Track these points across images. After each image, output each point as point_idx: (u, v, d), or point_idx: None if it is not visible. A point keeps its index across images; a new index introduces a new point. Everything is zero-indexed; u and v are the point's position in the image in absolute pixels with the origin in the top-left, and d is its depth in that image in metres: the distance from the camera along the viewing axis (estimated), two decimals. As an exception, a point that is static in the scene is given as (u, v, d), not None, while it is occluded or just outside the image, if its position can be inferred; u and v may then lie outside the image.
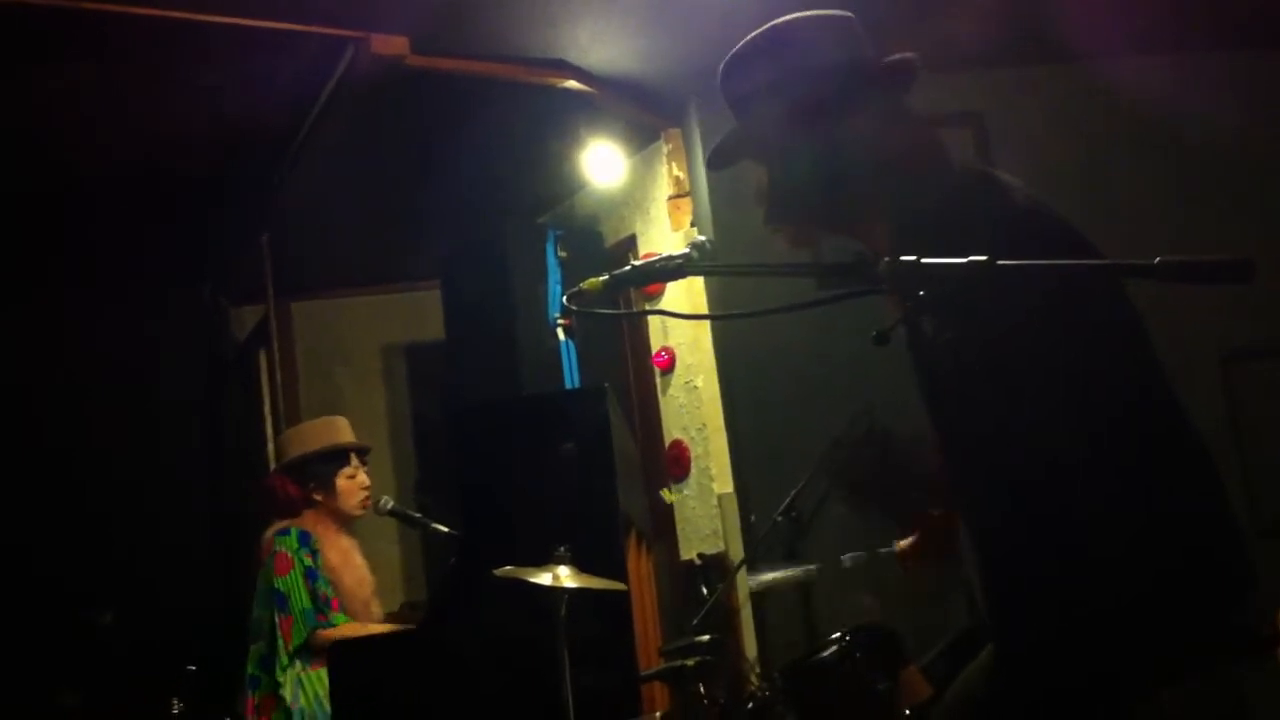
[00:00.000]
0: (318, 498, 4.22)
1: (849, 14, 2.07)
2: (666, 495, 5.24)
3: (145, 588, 5.52)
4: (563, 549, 3.26)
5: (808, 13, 2.06)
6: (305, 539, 4.09)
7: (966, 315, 1.74)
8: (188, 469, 6.05)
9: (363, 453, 4.40)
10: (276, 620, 3.99)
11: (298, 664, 3.97)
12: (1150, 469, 1.77)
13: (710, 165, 2.13)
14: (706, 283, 4.90)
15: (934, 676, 3.25)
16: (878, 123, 1.97)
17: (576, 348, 5.12)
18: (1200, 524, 1.79)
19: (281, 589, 4.00)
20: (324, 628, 3.96)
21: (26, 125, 4.53)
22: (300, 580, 4.01)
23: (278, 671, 3.98)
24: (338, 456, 4.29)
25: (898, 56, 2.02)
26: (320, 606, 4.00)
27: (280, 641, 3.97)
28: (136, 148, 4.86)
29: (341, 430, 4.40)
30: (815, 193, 2.00)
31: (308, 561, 4.05)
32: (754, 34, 2.06)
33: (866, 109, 1.97)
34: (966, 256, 1.52)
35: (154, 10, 3.79)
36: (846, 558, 2.66)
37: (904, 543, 2.26)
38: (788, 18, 2.05)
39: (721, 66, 2.09)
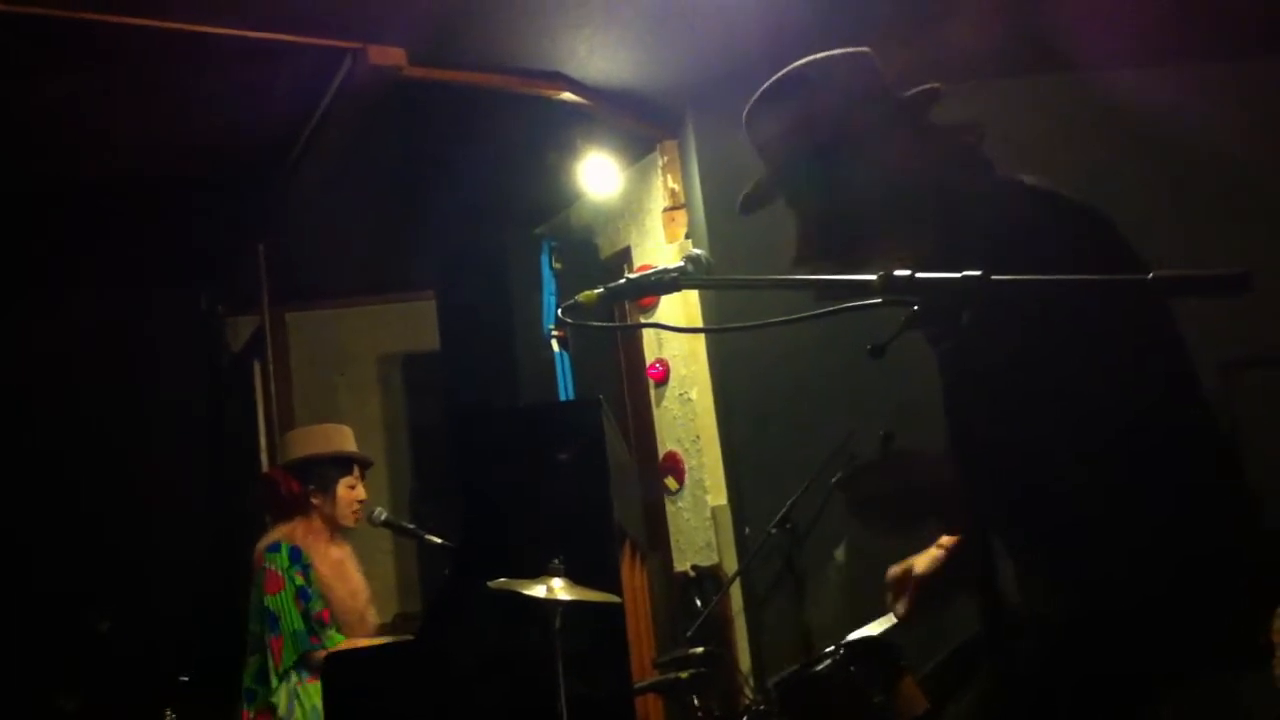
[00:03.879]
0: (315, 501, 4.21)
1: (865, 49, 2.08)
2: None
3: (141, 596, 5.52)
4: (557, 561, 3.25)
5: (824, 54, 2.08)
6: (296, 555, 4.06)
7: (964, 326, 1.75)
8: (185, 476, 6.04)
9: (365, 466, 4.40)
10: (267, 639, 3.98)
11: (293, 676, 3.96)
12: (1156, 481, 1.78)
13: (742, 210, 2.14)
14: (701, 295, 4.90)
15: (931, 689, 3.24)
16: (903, 151, 1.99)
17: (571, 359, 5.12)
18: (1213, 537, 1.79)
19: (272, 608, 3.98)
20: (317, 649, 3.94)
21: (27, 131, 4.54)
22: (291, 601, 3.99)
23: (273, 684, 3.96)
24: (343, 464, 4.29)
25: (922, 89, 2.04)
26: (313, 627, 3.98)
27: (270, 661, 3.96)
28: (135, 155, 4.87)
29: (348, 439, 4.41)
30: (848, 227, 2.01)
31: (299, 580, 4.02)
32: (773, 79, 2.08)
33: (889, 141, 1.98)
34: (1021, 268, 1.52)
35: (155, 21, 3.80)
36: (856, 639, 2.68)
37: (900, 608, 2.27)
38: (805, 60, 2.07)
39: (745, 113, 2.11)
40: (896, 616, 2.29)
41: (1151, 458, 1.78)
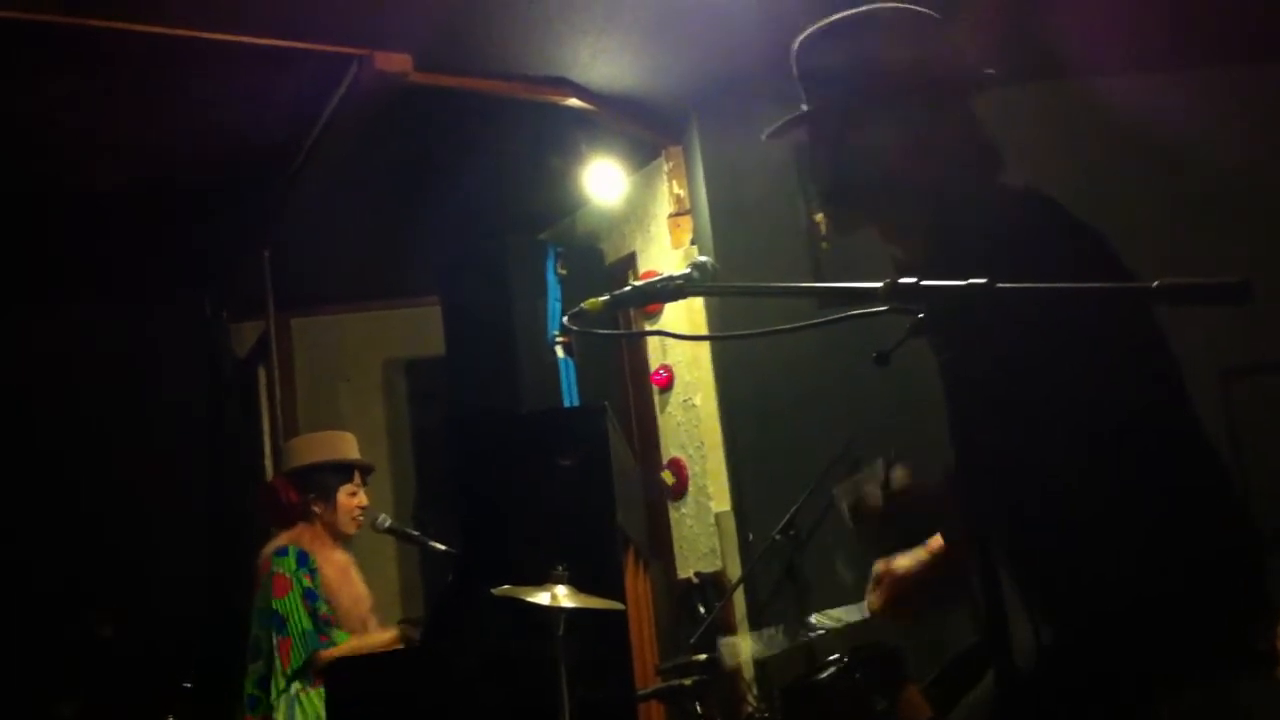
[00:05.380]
0: (316, 509, 4.22)
1: (933, 14, 2.07)
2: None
3: (143, 600, 5.52)
4: (560, 568, 3.25)
5: (897, 4, 2.06)
6: (303, 559, 4.08)
7: (966, 334, 1.75)
8: (187, 481, 6.04)
9: (366, 472, 4.40)
10: (275, 642, 3.98)
11: (295, 685, 3.96)
12: (1152, 486, 1.78)
13: (768, 137, 2.12)
14: (706, 301, 4.90)
15: (934, 696, 3.24)
16: (924, 132, 1.98)
17: (575, 365, 5.12)
18: (1208, 541, 1.79)
19: (280, 611, 3.99)
20: (326, 648, 3.95)
21: (30, 136, 4.55)
22: (299, 602, 4.00)
23: (274, 693, 3.96)
24: (343, 471, 4.30)
25: (980, 71, 2.03)
26: (321, 627, 3.99)
27: (278, 663, 3.96)
28: (140, 161, 4.87)
29: (350, 445, 4.41)
30: (867, 182, 2.01)
31: (306, 582, 4.03)
32: (841, 14, 2.05)
33: (918, 114, 1.98)
34: (1002, 274, 1.52)
35: (161, 28, 3.81)
36: (814, 623, 2.66)
37: (874, 600, 2.26)
38: (877, 5, 2.06)
39: (799, 41, 2.08)
40: (869, 610, 2.28)
41: (1145, 461, 1.78)
